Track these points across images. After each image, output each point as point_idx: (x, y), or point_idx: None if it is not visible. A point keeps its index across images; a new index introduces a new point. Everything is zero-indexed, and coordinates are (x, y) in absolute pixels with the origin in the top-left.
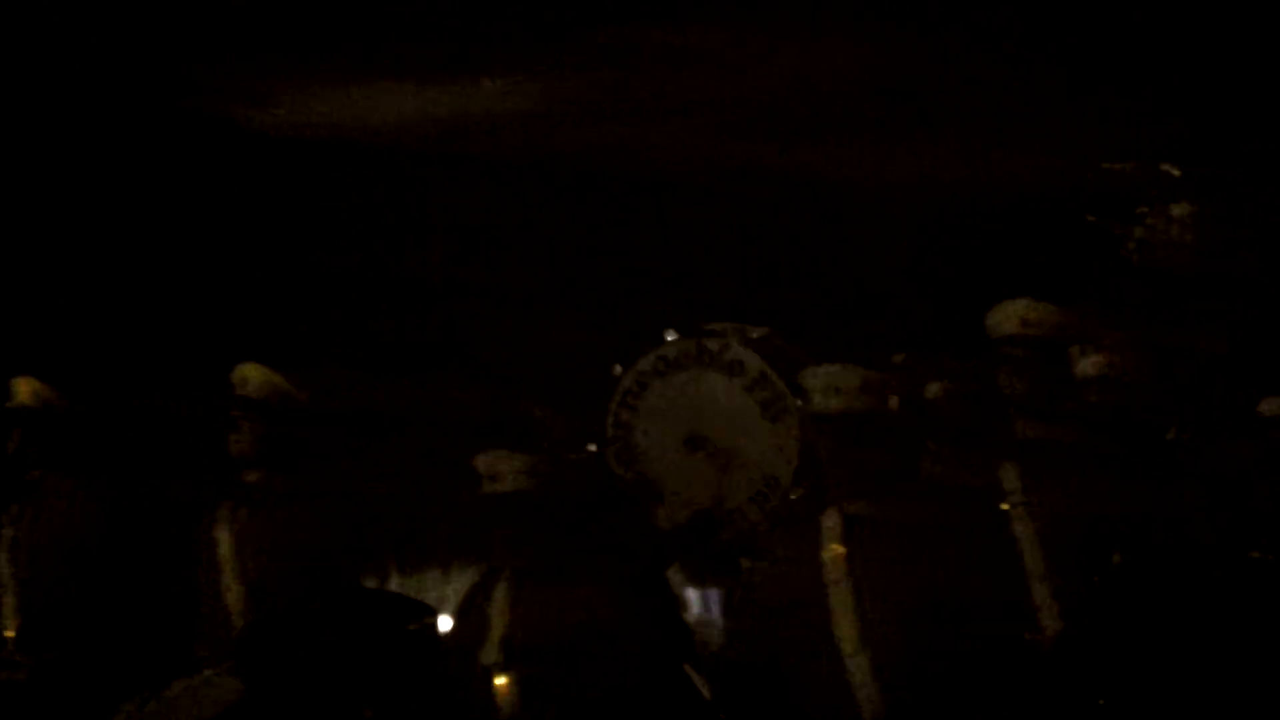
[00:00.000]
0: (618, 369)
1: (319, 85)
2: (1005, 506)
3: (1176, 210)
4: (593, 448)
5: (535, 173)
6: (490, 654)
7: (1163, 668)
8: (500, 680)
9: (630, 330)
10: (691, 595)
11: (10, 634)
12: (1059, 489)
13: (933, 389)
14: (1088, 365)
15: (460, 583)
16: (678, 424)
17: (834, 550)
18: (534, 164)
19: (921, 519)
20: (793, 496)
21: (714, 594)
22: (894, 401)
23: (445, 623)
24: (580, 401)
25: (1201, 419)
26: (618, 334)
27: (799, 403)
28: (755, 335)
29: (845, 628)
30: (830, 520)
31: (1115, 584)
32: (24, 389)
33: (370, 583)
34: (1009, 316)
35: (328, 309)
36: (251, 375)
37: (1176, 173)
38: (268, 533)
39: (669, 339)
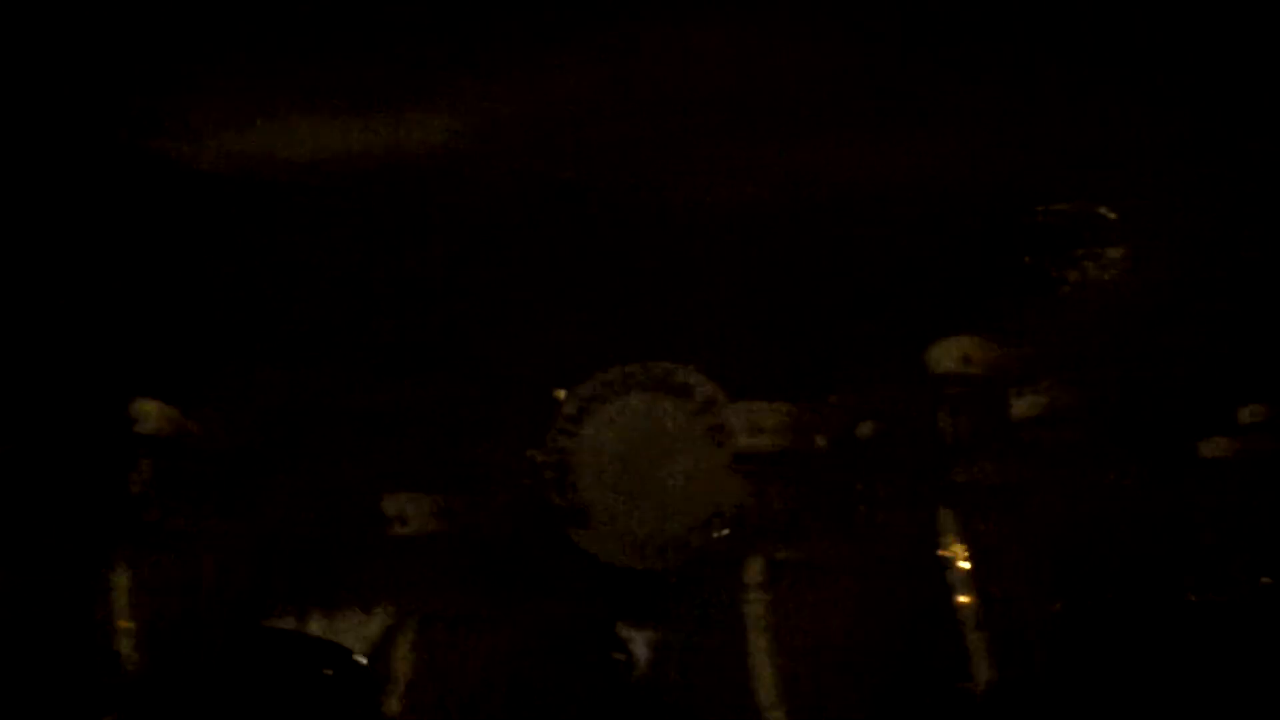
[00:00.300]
0: (560, 394)
1: (256, 120)
2: (942, 552)
3: (1112, 253)
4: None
5: (469, 209)
6: (393, 705)
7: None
8: None
9: (557, 361)
10: (619, 639)
11: None
12: (996, 534)
13: (864, 428)
14: (1023, 406)
15: (378, 627)
16: (621, 451)
17: (755, 598)
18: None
19: (852, 566)
20: (717, 535)
21: (641, 638)
22: (821, 440)
23: (359, 666)
24: (516, 432)
25: (1139, 458)
26: (543, 366)
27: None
28: (658, 372)
29: (764, 681)
30: (753, 566)
31: (1056, 631)
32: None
33: (283, 625)
34: (950, 353)
35: (246, 343)
36: (149, 410)
37: (1112, 215)
38: (169, 575)
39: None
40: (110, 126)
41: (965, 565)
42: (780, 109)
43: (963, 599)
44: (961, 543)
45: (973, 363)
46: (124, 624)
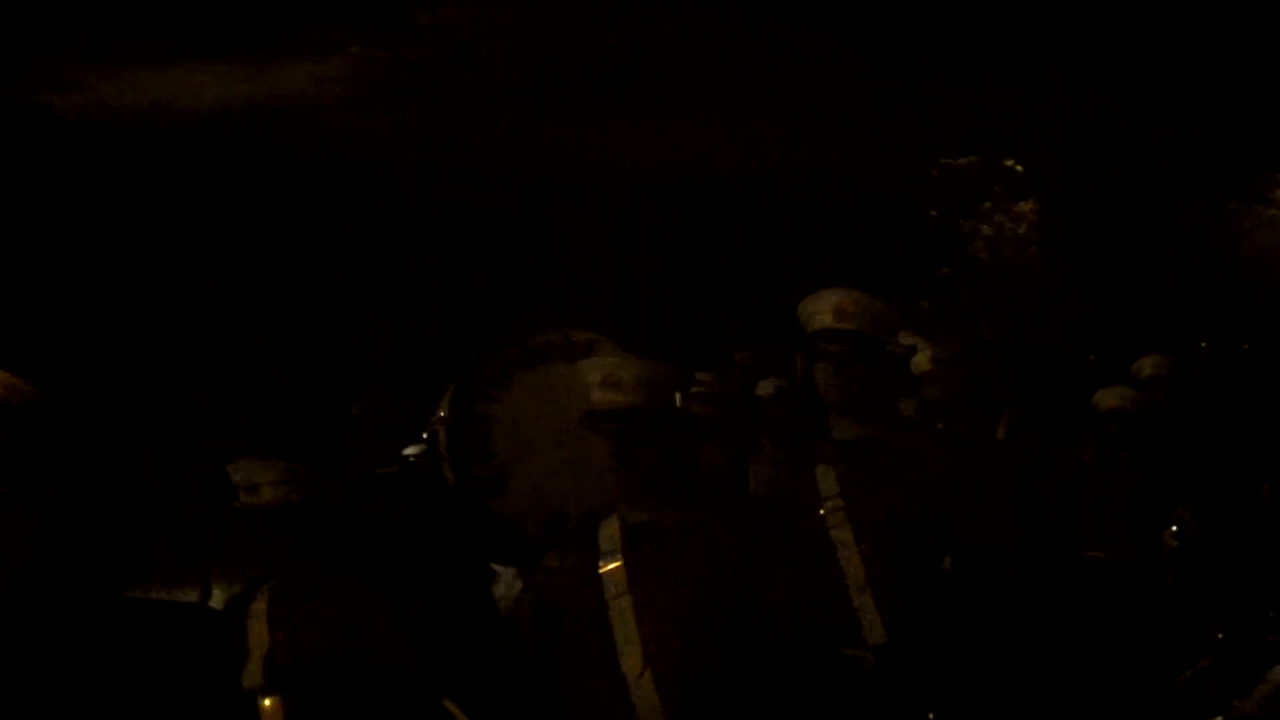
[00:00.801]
0: (474, 355)
1: (128, 69)
2: (822, 511)
3: (1023, 206)
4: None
5: (346, 158)
6: (253, 676)
7: (991, 676)
8: (266, 703)
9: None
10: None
11: None
12: (878, 491)
13: (764, 387)
14: (923, 360)
15: (226, 595)
16: (542, 419)
17: (613, 564)
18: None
19: (712, 526)
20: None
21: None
22: (679, 398)
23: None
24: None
25: (1026, 416)
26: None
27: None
28: (581, 340)
29: (627, 649)
30: (608, 529)
31: (942, 589)
32: None
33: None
34: (822, 308)
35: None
36: None
37: (1020, 168)
38: (11, 544)
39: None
40: None
41: (846, 525)
42: (680, 87)
43: (845, 559)
44: (841, 500)
45: (846, 316)
46: None
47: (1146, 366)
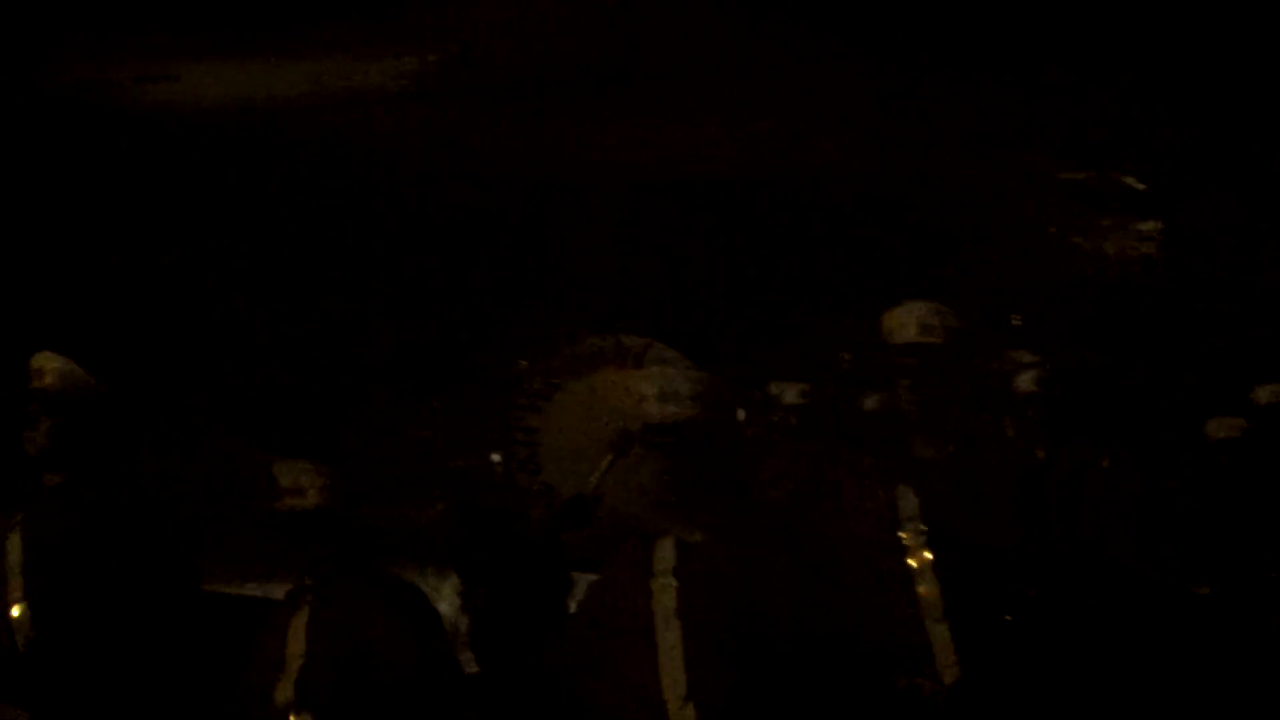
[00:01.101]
0: (523, 365)
1: (211, 60)
2: (902, 535)
3: (1145, 226)
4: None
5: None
6: (285, 692)
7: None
8: None
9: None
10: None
11: None
12: (959, 517)
13: (825, 398)
14: (1027, 381)
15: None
16: (591, 429)
17: (665, 584)
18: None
19: (772, 551)
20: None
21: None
22: (741, 414)
23: None
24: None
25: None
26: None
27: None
28: (633, 345)
29: (671, 675)
30: (663, 549)
31: (1019, 626)
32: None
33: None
34: (906, 321)
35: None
36: (48, 365)
37: (1141, 186)
38: (63, 540)
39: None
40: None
41: (926, 552)
42: (742, 87)
43: (923, 589)
44: (922, 525)
45: (930, 330)
46: (15, 594)
47: (1265, 394)
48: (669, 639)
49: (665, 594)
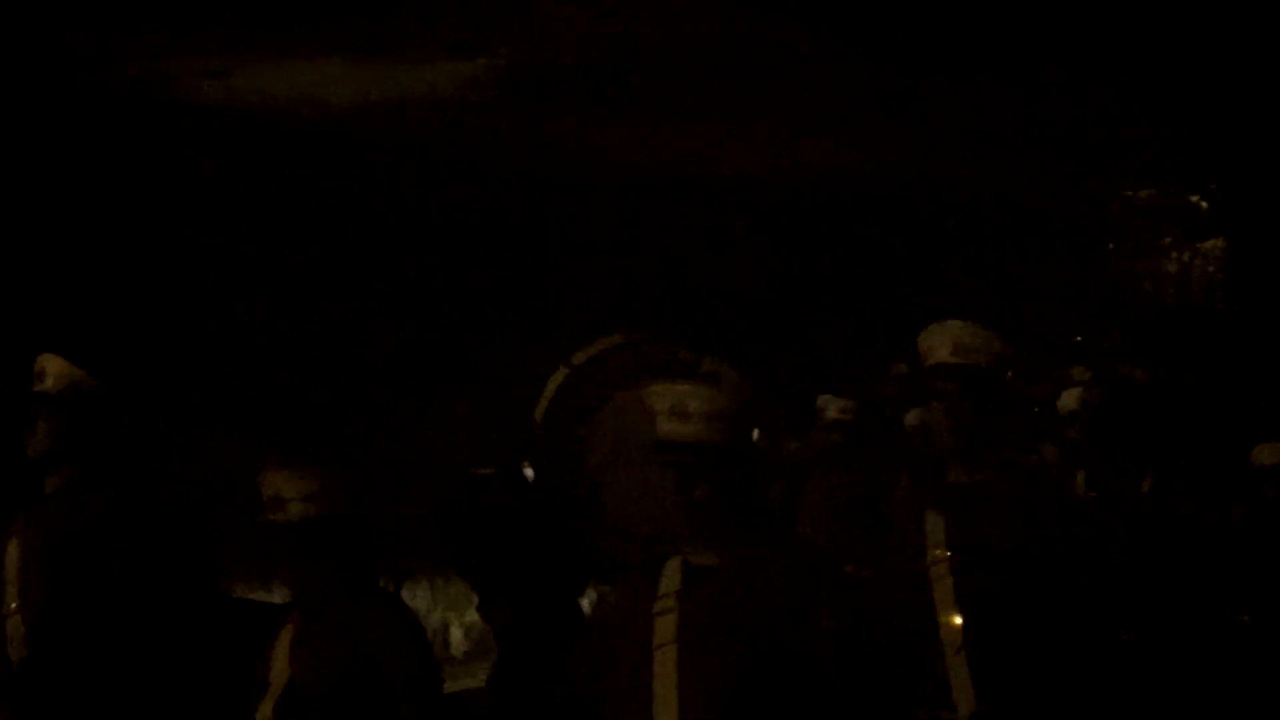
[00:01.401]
0: (562, 373)
1: (275, 59)
2: (938, 555)
3: (1209, 245)
4: (529, 471)
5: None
6: (265, 710)
7: None
8: None
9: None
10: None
11: None
12: (987, 546)
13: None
14: (1070, 400)
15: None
16: (632, 440)
17: (667, 608)
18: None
19: (785, 575)
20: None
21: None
22: (757, 435)
23: None
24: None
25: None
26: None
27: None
28: (687, 359)
29: (665, 700)
30: (671, 569)
31: (1043, 660)
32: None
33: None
34: (941, 342)
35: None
36: (50, 367)
37: (1205, 205)
38: (64, 542)
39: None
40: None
41: (948, 579)
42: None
43: (946, 618)
44: (947, 551)
45: (966, 350)
46: (10, 598)
47: None
48: (665, 664)
49: (666, 618)
